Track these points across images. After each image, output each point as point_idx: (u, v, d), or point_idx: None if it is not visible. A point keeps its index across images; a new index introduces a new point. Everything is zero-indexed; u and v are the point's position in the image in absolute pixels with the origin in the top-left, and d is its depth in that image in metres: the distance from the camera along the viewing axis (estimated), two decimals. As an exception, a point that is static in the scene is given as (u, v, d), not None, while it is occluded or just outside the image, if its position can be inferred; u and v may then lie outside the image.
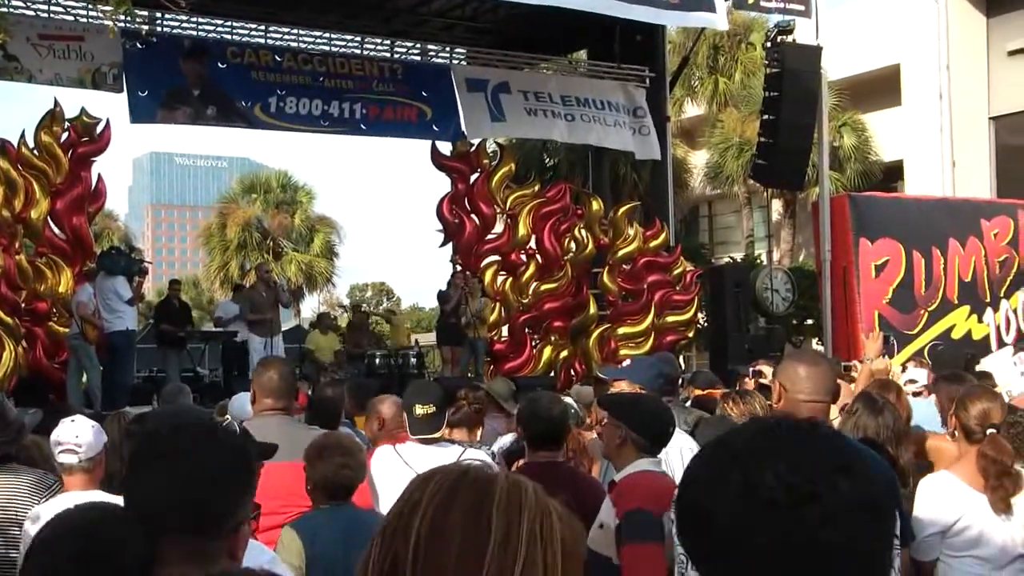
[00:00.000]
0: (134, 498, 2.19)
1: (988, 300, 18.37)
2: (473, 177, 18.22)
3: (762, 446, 1.39)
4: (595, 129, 18.48)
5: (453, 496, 1.38)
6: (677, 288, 18.45)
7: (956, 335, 17.82)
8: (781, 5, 16.52)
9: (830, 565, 1.32)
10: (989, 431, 4.67)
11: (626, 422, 4.91)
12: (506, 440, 7.55)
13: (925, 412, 6.64)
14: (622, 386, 6.11)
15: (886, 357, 7.68)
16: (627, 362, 8.28)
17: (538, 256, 18.03)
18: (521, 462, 5.67)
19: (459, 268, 17.97)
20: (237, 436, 2.21)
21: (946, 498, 4.55)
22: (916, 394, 7.95)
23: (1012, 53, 26.79)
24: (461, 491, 1.39)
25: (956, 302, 18.06)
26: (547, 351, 17.75)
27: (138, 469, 2.22)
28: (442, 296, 17.61)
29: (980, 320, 18.14)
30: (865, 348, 7.82)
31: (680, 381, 8.06)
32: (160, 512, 2.11)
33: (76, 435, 4.58)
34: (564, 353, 17.81)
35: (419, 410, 5.40)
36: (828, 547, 1.31)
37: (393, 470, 5.25)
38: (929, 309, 17.82)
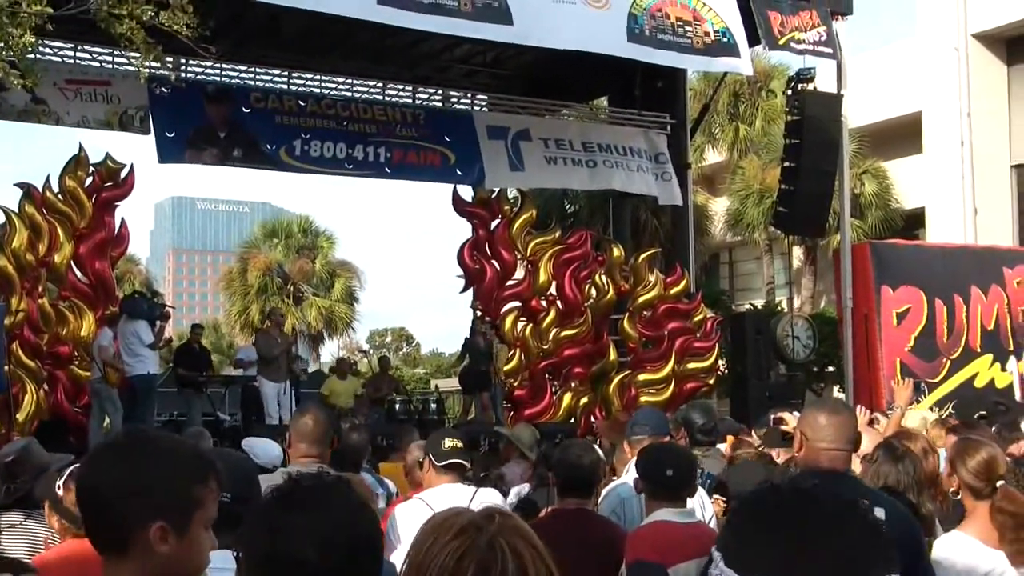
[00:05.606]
0: None
1: (1011, 348, 18.23)
2: (494, 223, 18.27)
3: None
4: (618, 174, 18.41)
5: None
6: (698, 335, 18.37)
7: (979, 383, 17.68)
8: (810, 48, 16.49)
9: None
10: (999, 484, 4.59)
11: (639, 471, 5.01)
12: (524, 488, 7.53)
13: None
14: (643, 440, 6.10)
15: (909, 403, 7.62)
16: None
17: (558, 302, 18.01)
18: (550, 508, 5.63)
19: (479, 314, 17.98)
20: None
21: (965, 557, 4.41)
22: None
23: (1034, 101, 26.81)
24: None
25: (979, 350, 17.92)
26: (567, 398, 17.67)
27: None
28: (470, 345, 17.61)
29: (1003, 369, 17.97)
30: (896, 395, 7.73)
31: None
32: None
33: None
34: (584, 400, 17.72)
35: (448, 443, 5.45)
36: None
37: (419, 518, 5.27)
38: (952, 357, 17.68)
